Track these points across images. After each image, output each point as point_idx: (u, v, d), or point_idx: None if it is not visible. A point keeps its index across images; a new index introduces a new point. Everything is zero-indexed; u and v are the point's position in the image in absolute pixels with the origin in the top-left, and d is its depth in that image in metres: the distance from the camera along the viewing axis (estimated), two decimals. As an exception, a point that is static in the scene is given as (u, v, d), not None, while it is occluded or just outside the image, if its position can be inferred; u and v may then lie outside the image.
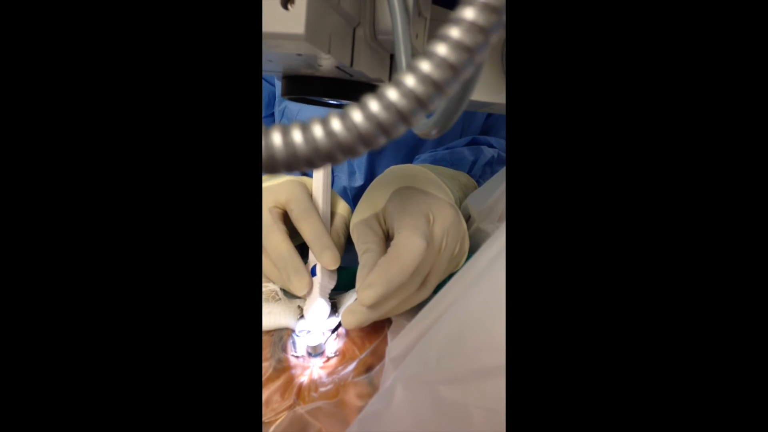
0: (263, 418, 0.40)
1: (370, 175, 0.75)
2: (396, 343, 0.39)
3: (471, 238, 0.49)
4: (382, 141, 0.16)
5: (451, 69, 0.15)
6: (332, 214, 0.51)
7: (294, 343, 0.45)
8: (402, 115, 0.15)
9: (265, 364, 0.43)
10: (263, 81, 0.76)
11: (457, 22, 0.15)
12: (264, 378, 0.42)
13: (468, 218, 0.53)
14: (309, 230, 0.46)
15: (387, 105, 0.15)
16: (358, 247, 0.46)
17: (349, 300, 0.47)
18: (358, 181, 0.75)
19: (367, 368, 0.43)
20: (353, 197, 0.76)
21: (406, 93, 0.15)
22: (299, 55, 0.28)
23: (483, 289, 0.33)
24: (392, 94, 0.15)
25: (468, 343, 0.32)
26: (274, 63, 0.32)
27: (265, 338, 0.46)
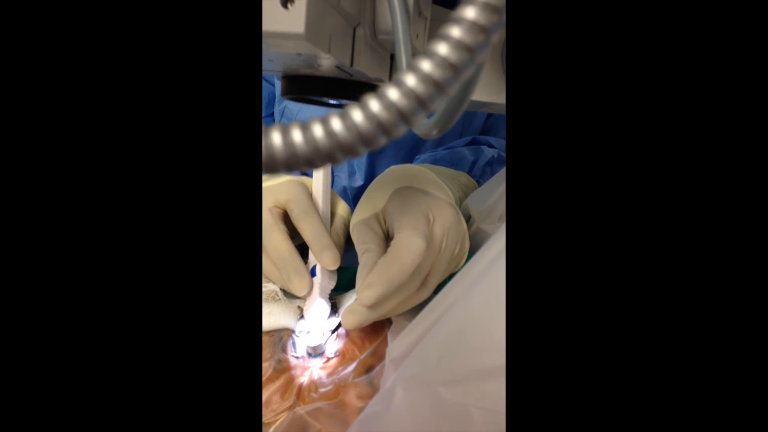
0: (263, 419, 0.40)
1: (370, 175, 0.75)
2: (396, 344, 0.39)
3: (471, 238, 0.49)
4: (382, 141, 0.16)
5: (452, 68, 0.15)
6: (332, 214, 0.51)
7: (294, 343, 0.45)
8: (402, 115, 0.15)
9: (265, 365, 0.43)
10: (263, 81, 0.76)
11: (458, 21, 0.15)
12: (264, 378, 0.42)
13: (468, 218, 0.53)
14: (309, 230, 0.46)
15: (387, 105, 0.15)
16: (358, 247, 0.46)
17: (349, 300, 0.47)
18: (358, 181, 0.75)
19: (367, 369, 0.43)
20: (353, 197, 0.76)
21: (407, 93, 0.15)
22: (299, 54, 0.28)
23: (483, 290, 0.33)
24: (393, 93, 0.15)
25: (468, 343, 0.32)
26: (274, 62, 0.31)
27: (265, 339, 0.46)
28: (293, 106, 0.74)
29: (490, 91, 0.40)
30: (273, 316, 0.46)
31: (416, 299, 0.44)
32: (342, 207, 0.53)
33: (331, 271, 0.47)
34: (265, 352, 0.44)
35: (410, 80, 0.15)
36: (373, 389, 0.41)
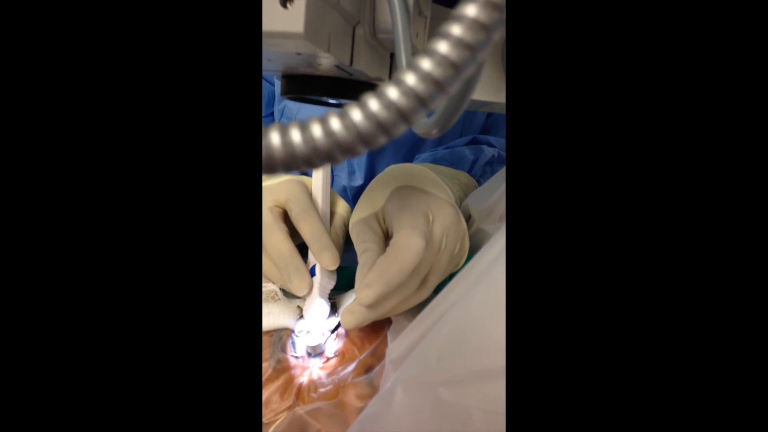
0: (263, 419, 0.40)
1: (370, 175, 0.75)
2: (396, 345, 0.39)
3: (471, 238, 0.49)
4: (382, 140, 0.16)
5: (453, 67, 0.15)
6: (331, 213, 0.51)
7: (293, 343, 0.45)
8: (402, 114, 0.15)
9: (264, 365, 0.43)
10: (263, 80, 0.76)
11: (459, 19, 0.15)
12: (263, 378, 0.42)
13: (468, 218, 0.53)
14: (308, 230, 0.46)
15: (387, 104, 0.15)
16: (357, 246, 0.46)
17: (349, 300, 0.47)
18: (358, 181, 0.75)
19: (367, 369, 0.43)
20: (353, 197, 0.76)
21: (407, 91, 0.15)
22: (298, 54, 0.28)
23: (483, 291, 0.33)
24: (392, 92, 0.15)
25: (468, 344, 0.32)
26: (273, 62, 0.31)
27: (264, 338, 0.45)
28: (293, 106, 0.74)
29: (490, 91, 0.40)
30: (272, 315, 0.46)
31: (416, 299, 0.44)
32: (342, 206, 0.53)
33: (331, 271, 0.47)
34: (265, 352, 0.44)
35: (410, 79, 0.15)
36: (373, 389, 0.41)
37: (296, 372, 0.43)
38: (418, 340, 0.37)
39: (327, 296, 0.46)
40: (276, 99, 0.77)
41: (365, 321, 0.42)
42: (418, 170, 0.52)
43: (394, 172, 0.52)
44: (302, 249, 0.47)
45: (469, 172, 0.70)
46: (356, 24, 0.30)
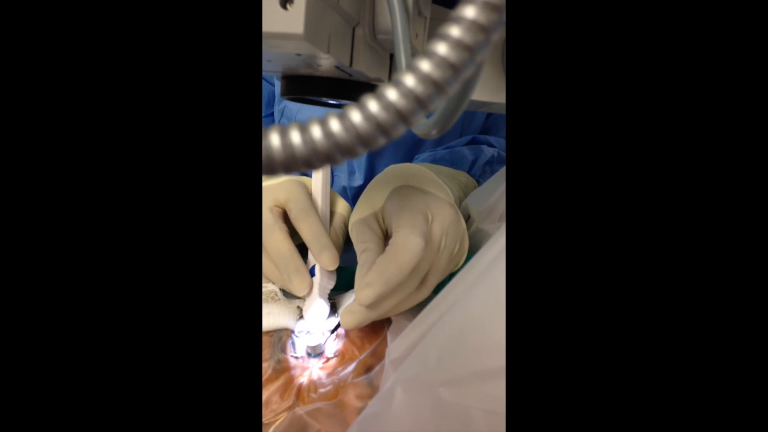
0: (263, 419, 0.40)
1: (370, 175, 0.75)
2: (396, 345, 0.39)
3: (471, 238, 0.49)
4: (381, 142, 0.16)
5: (452, 68, 0.15)
6: (331, 213, 0.51)
7: (293, 343, 0.45)
8: (401, 116, 0.15)
9: (264, 365, 0.43)
10: (263, 80, 0.76)
11: (458, 20, 0.15)
12: (263, 379, 0.42)
13: (468, 218, 0.53)
14: (307, 230, 0.45)
15: (386, 105, 0.15)
16: (357, 246, 0.46)
17: (348, 300, 0.47)
18: (358, 181, 0.75)
19: (367, 369, 0.43)
20: (353, 197, 0.76)
21: (406, 93, 0.15)
22: (298, 54, 0.28)
23: (483, 291, 0.33)
24: (392, 94, 0.15)
25: (468, 344, 0.32)
26: (273, 63, 0.31)
27: (264, 339, 0.45)
28: (293, 106, 0.74)
29: (490, 91, 0.40)
30: (272, 316, 0.46)
31: (415, 299, 0.44)
32: (341, 205, 0.53)
33: (331, 271, 0.47)
34: (265, 353, 0.44)
35: (409, 80, 0.15)
36: (373, 389, 0.41)
37: (296, 372, 0.43)
38: (418, 340, 0.37)
39: (327, 296, 0.46)
40: (276, 99, 0.77)
41: (365, 321, 0.42)
42: (418, 170, 0.52)
43: (393, 172, 0.52)
44: (302, 249, 0.47)
45: (469, 172, 0.70)
46: (356, 25, 0.31)
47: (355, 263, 0.45)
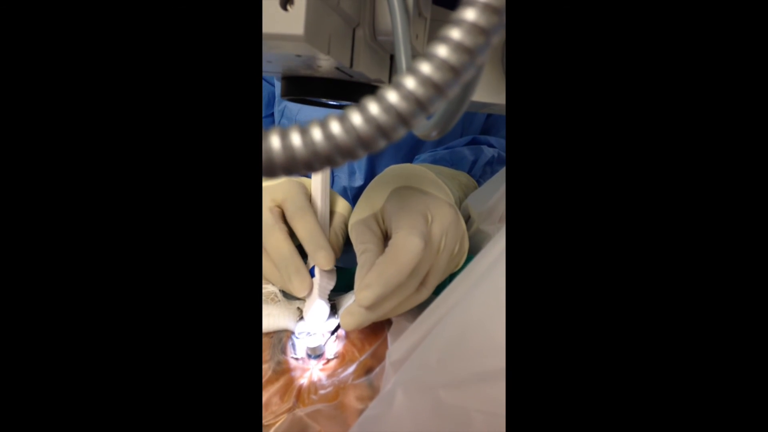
0: (263, 421, 0.40)
1: (370, 175, 0.74)
2: (396, 347, 0.39)
3: (471, 239, 0.49)
4: (381, 144, 0.16)
5: (452, 71, 0.15)
6: (332, 212, 0.51)
7: (293, 345, 0.45)
8: (402, 118, 0.15)
9: (264, 366, 0.43)
10: (263, 81, 0.76)
11: (458, 23, 0.15)
12: (263, 380, 0.42)
13: (468, 219, 0.53)
14: (303, 229, 0.45)
15: (387, 107, 0.15)
16: (357, 247, 0.46)
17: (349, 301, 0.47)
18: (358, 181, 0.75)
19: (367, 370, 0.42)
20: (353, 197, 0.76)
21: (406, 95, 0.15)
22: (298, 56, 0.28)
23: (484, 292, 0.33)
24: (392, 96, 0.15)
25: (469, 346, 0.32)
26: (273, 64, 0.31)
27: (264, 340, 0.45)
28: (293, 107, 0.74)
29: (490, 92, 0.40)
30: (272, 317, 0.46)
31: (415, 300, 0.44)
32: (342, 205, 0.52)
33: (330, 272, 0.47)
34: (265, 354, 0.44)
35: (410, 83, 0.15)
36: (373, 391, 0.41)
37: (296, 374, 0.43)
38: (418, 342, 0.37)
39: (327, 297, 0.46)
40: (276, 100, 0.77)
41: (365, 322, 0.42)
42: (418, 171, 0.52)
43: (393, 173, 0.52)
44: (303, 250, 0.47)
45: (469, 172, 0.70)
46: (356, 26, 0.30)
47: (354, 264, 0.44)
